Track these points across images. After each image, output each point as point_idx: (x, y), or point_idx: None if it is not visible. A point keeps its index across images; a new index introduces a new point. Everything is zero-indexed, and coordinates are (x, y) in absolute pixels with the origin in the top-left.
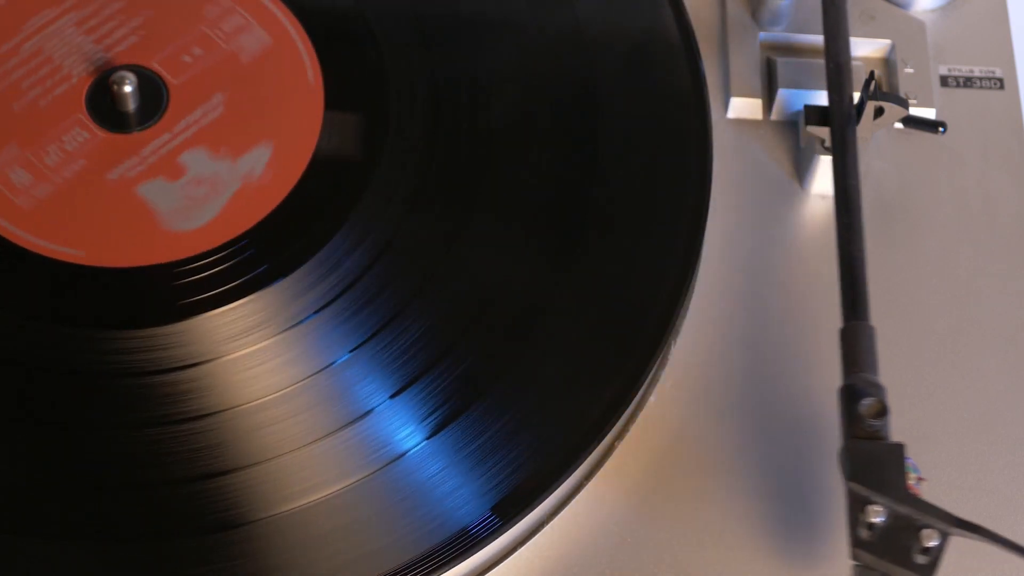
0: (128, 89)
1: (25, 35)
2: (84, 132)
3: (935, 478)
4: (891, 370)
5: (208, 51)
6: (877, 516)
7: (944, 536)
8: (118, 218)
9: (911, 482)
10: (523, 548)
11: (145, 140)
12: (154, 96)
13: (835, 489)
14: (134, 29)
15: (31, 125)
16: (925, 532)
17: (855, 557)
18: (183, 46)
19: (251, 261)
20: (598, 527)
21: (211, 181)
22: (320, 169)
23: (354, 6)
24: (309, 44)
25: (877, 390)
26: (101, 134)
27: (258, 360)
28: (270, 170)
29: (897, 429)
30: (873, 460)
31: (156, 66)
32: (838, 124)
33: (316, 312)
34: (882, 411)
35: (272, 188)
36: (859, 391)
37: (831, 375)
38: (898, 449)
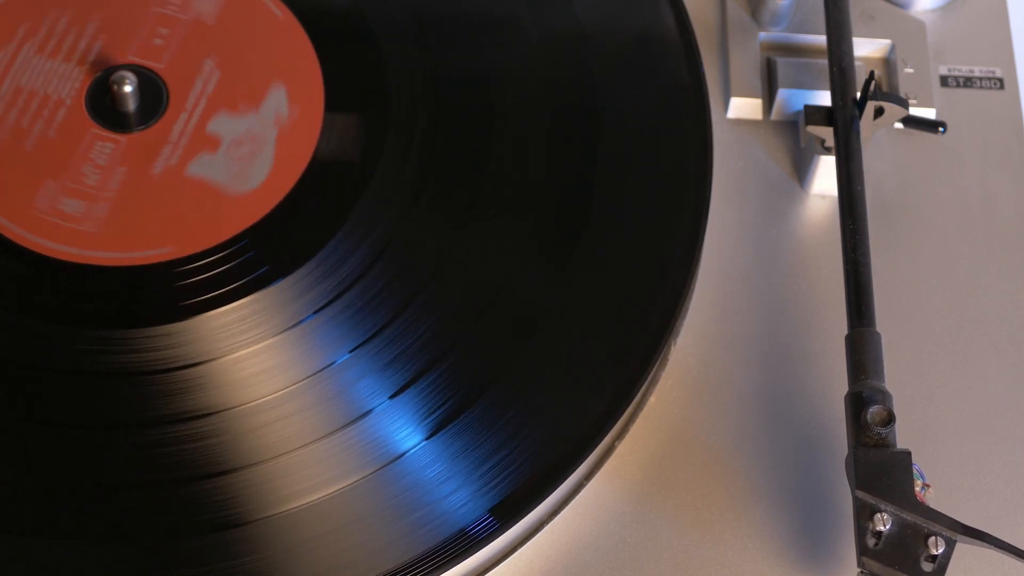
0: (128, 89)
1: None
2: (108, 143)
3: (935, 479)
4: (891, 370)
5: (173, 28)
6: (885, 524)
7: (951, 543)
8: (185, 204)
9: (917, 489)
10: (523, 548)
11: (167, 127)
12: (154, 93)
13: (836, 489)
14: (93, 34)
15: (53, 157)
16: (932, 540)
17: (863, 565)
18: (147, 33)
19: (251, 261)
20: (598, 527)
21: (249, 137)
22: (320, 169)
23: (354, 6)
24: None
25: (884, 397)
26: (124, 138)
27: (258, 360)
28: (295, 105)
29: (897, 430)
30: (880, 468)
31: (133, 59)
32: (842, 128)
33: (316, 312)
34: (889, 419)
35: (305, 123)
36: (866, 398)
37: (832, 375)
38: (905, 457)
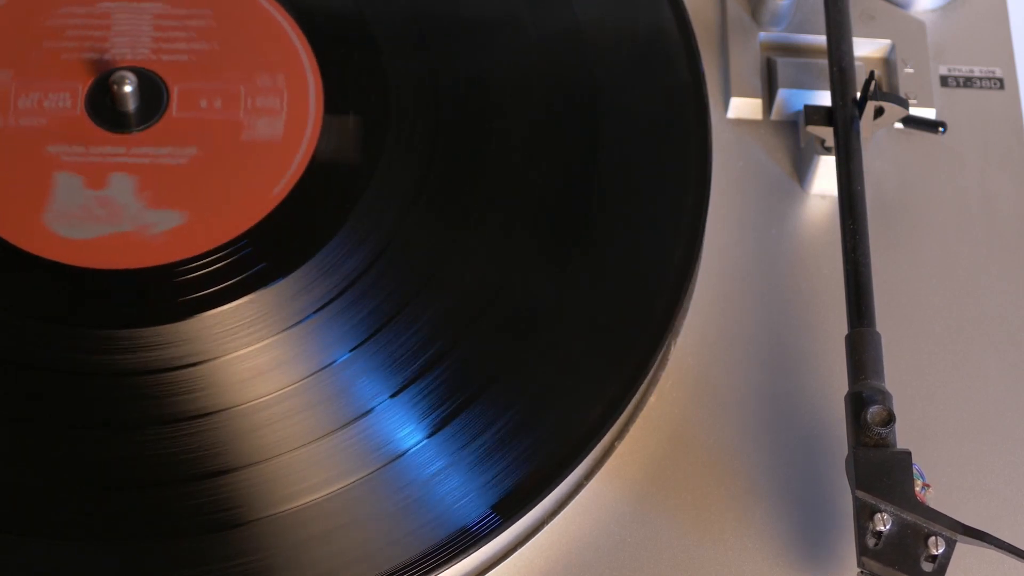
0: (128, 89)
1: None
2: (68, 101)
3: (935, 479)
4: (891, 370)
5: (225, 108)
6: (885, 524)
7: (951, 543)
8: (18, 185)
9: (917, 489)
10: (523, 548)
11: (105, 141)
12: (153, 100)
13: (836, 489)
14: (192, 51)
15: (39, 67)
16: (932, 540)
17: (863, 565)
18: (212, 92)
19: (251, 260)
20: (598, 527)
21: (113, 208)
22: (320, 169)
23: (354, 7)
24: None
25: (884, 397)
26: (79, 112)
27: (258, 359)
28: (166, 237)
29: (897, 430)
30: (880, 468)
31: (175, 93)
32: (842, 128)
33: (316, 312)
34: (889, 419)
35: (157, 250)
36: (866, 398)
37: (832, 375)
38: (905, 457)
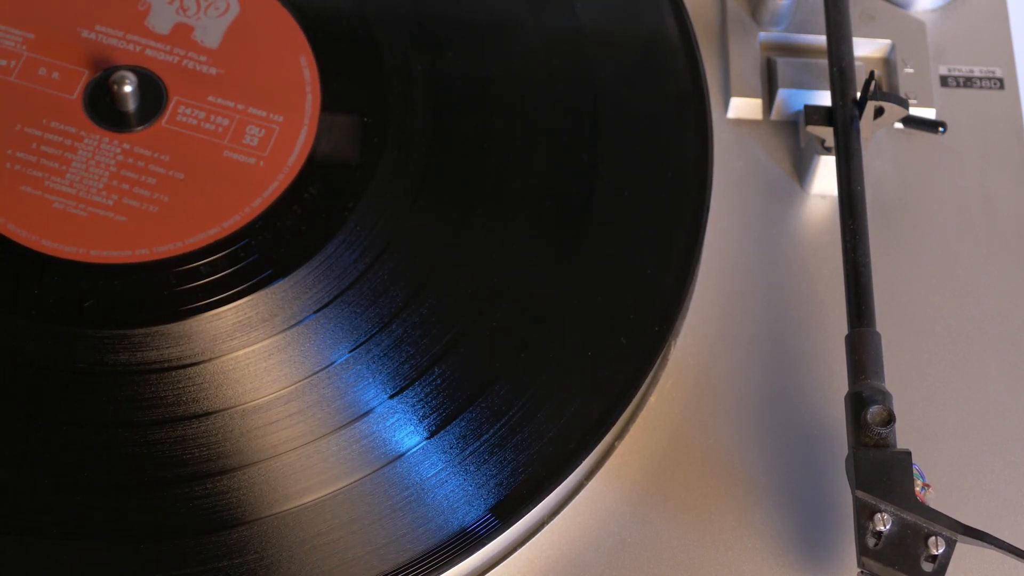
0: (128, 89)
1: None
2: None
3: (935, 479)
4: (891, 370)
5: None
6: (885, 524)
7: (951, 543)
8: None
9: (917, 489)
10: (523, 548)
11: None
12: (154, 95)
13: (836, 489)
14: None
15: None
16: (932, 540)
17: (863, 565)
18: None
19: (251, 260)
20: (598, 527)
21: None
22: (320, 169)
23: (354, 6)
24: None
25: (884, 397)
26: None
27: (258, 359)
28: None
29: (897, 430)
30: (880, 468)
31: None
32: (842, 128)
33: (316, 312)
34: (889, 419)
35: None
36: (866, 398)
37: (832, 375)
38: (905, 457)
